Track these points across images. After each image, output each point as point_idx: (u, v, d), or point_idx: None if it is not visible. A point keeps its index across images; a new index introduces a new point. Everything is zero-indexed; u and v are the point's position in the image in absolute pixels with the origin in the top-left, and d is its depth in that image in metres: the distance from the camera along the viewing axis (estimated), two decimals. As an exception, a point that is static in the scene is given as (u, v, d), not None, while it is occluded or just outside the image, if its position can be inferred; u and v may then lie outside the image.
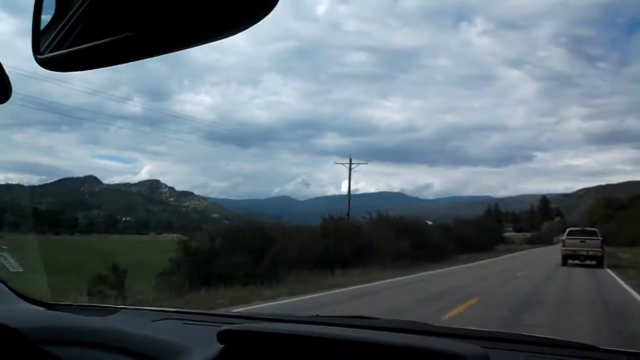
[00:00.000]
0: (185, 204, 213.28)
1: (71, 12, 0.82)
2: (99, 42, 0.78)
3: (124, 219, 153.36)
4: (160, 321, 2.15)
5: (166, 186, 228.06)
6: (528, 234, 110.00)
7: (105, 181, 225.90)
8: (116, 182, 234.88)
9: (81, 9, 0.80)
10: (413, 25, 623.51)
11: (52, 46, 0.84)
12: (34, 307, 2.06)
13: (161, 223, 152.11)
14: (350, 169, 42.10)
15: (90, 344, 1.38)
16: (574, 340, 1.78)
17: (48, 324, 1.37)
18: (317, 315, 2.39)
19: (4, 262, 4.03)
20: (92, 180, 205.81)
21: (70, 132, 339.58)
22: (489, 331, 1.92)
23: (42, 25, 0.88)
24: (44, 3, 0.89)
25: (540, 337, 1.83)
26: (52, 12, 0.86)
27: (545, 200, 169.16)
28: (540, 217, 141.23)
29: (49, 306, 2.21)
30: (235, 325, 1.67)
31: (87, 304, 2.76)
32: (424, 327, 1.92)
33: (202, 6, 0.71)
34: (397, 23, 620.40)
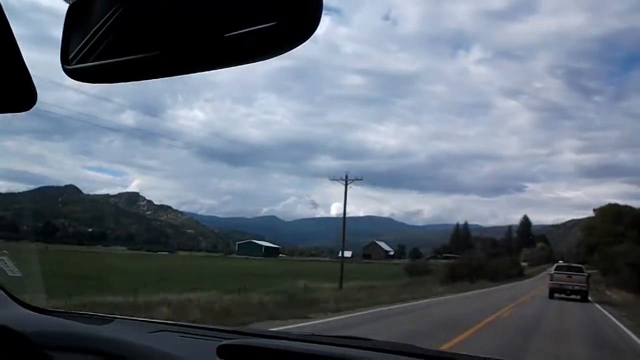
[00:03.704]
0: (162, 218, 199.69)
1: (100, 25, 0.81)
2: (127, 58, 0.78)
3: (89, 229, 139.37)
4: (156, 333, 2.02)
5: (144, 199, 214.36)
6: (444, 261, 68.22)
7: (86, 192, 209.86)
8: (97, 193, 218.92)
9: (110, 22, 0.80)
10: (410, 50, 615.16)
11: (79, 57, 0.83)
12: (31, 312, 1.94)
13: (121, 236, 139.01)
14: (346, 187, 32.56)
15: (87, 350, 1.33)
16: None
17: (48, 329, 1.34)
18: (313, 334, 2.22)
19: (3, 266, 3.58)
20: (71, 190, 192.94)
21: (61, 142, 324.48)
22: (482, 357, 1.83)
23: (72, 37, 0.86)
24: (75, 14, 0.87)
25: None
26: (83, 23, 0.85)
27: (526, 223, 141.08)
28: (520, 243, 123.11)
29: (45, 312, 2.07)
30: (234, 340, 1.62)
31: (82, 312, 2.52)
32: (415, 350, 1.80)
33: (232, 30, 0.69)
34: (394, 47, 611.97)
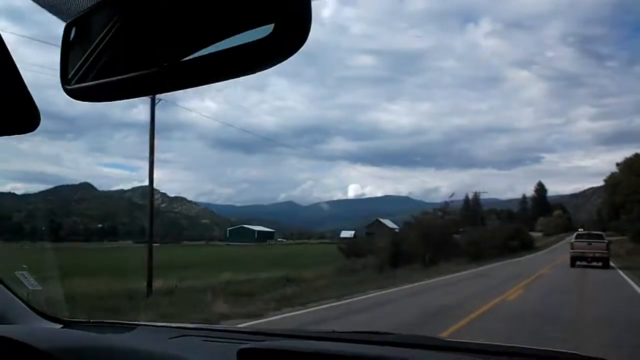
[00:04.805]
0: (176, 210, 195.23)
1: (98, 42, 0.81)
2: (125, 76, 0.77)
3: (99, 226, 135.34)
4: (178, 338, 2.01)
5: (158, 192, 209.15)
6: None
7: (102, 189, 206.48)
8: (112, 189, 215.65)
9: (107, 39, 0.80)
10: (419, 27, 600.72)
11: (78, 77, 0.83)
12: (52, 325, 2.00)
13: (133, 230, 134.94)
14: (153, 106, 19.85)
15: None
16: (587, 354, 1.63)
17: (66, 344, 1.30)
18: (333, 331, 2.21)
19: (23, 281, 3.73)
20: (86, 187, 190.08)
21: (75, 141, 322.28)
22: (501, 345, 1.80)
23: (70, 55, 0.86)
24: (72, 33, 0.87)
25: (553, 351, 1.68)
26: (80, 41, 0.85)
27: (541, 190, 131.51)
28: (536, 212, 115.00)
29: (66, 324, 2.11)
30: (255, 343, 1.62)
31: (103, 321, 2.45)
32: (436, 342, 1.82)
33: (230, 43, 0.69)
34: (403, 25, 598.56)
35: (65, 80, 0.84)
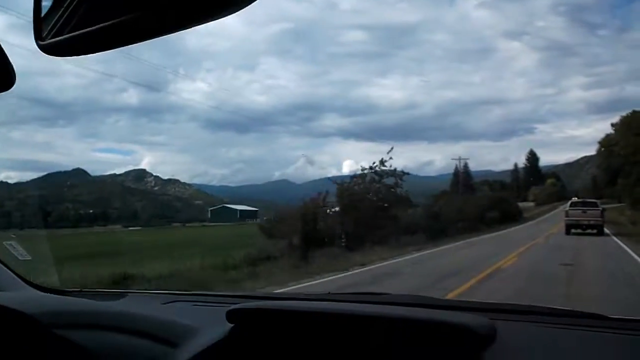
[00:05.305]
0: (170, 192, 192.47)
1: None
2: (100, 25, 0.71)
3: (90, 211, 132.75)
4: (170, 304, 2.02)
5: (152, 175, 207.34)
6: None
7: (95, 174, 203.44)
8: (105, 174, 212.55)
9: None
10: (409, 0, 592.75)
11: (53, 31, 0.77)
12: (42, 293, 1.99)
13: (124, 214, 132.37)
14: None
15: (101, 326, 1.32)
16: (583, 310, 1.62)
17: (59, 309, 1.30)
18: (326, 293, 2.22)
19: (12, 251, 3.63)
20: (79, 173, 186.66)
21: (67, 127, 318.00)
22: (496, 303, 1.84)
23: (43, 11, 0.80)
24: None
25: (549, 308, 1.69)
26: None
27: (533, 159, 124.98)
28: (528, 182, 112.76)
29: (58, 292, 2.12)
30: (243, 304, 1.61)
31: (95, 289, 2.53)
32: (433, 301, 1.83)
33: None
34: None
35: (39, 36, 0.78)
